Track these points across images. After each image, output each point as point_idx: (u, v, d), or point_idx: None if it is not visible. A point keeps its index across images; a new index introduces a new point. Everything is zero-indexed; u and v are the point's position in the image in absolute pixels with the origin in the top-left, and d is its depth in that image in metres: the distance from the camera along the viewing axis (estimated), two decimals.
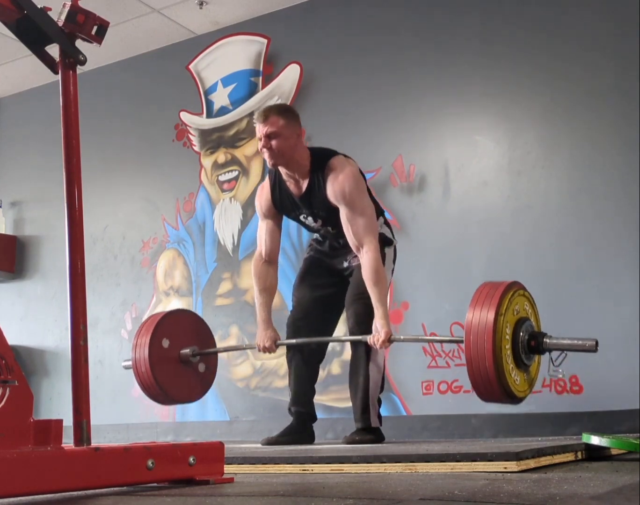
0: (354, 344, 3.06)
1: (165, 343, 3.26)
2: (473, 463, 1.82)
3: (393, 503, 1.29)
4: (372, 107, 4.34)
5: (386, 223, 3.22)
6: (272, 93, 4.72)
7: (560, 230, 3.73)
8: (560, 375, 2.68)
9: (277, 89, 4.71)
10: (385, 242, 3.11)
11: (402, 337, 3.17)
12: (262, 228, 3.22)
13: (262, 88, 4.77)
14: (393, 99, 4.28)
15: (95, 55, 4.63)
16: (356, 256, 3.06)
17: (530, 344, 2.56)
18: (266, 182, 3.19)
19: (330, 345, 4.04)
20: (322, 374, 4.16)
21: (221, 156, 4.87)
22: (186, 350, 3.30)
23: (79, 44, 1.77)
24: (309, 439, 3.18)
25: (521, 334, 2.53)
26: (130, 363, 3.27)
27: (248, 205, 4.68)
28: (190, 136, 5.01)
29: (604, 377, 3.47)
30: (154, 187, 5.12)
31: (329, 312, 3.25)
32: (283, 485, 1.67)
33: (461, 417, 3.76)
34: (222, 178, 4.84)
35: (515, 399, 2.54)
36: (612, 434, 2.68)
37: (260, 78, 4.79)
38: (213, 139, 4.92)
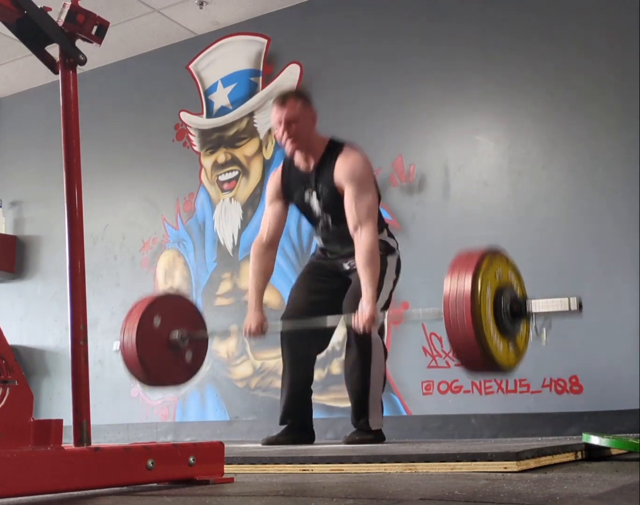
0: (354, 342, 3.01)
1: (157, 321, 3.23)
2: (473, 463, 1.82)
3: (393, 503, 1.29)
4: (372, 106, 4.35)
5: (390, 235, 3.21)
6: (272, 93, 4.71)
7: (560, 230, 3.73)
8: (544, 342, 2.62)
9: (277, 89, 4.70)
10: (388, 251, 3.10)
11: (384, 316, 3.08)
12: (267, 212, 3.24)
13: (262, 88, 4.77)
14: (393, 99, 4.28)
15: (95, 55, 4.63)
16: None
17: (513, 309, 2.46)
18: (279, 168, 3.25)
19: (330, 345, 4.03)
20: (322, 374, 4.17)
21: (221, 156, 4.87)
22: (175, 334, 3.23)
23: (79, 44, 1.77)
24: (309, 438, 3.17)
25: (503, 299, 2.43)
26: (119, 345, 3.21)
27: (248, 205, 4.68)
28: (190, 136, 5.01)
29: (604, 377, 3.47)
30: (154, 187, 5.12)
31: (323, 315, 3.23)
32: (283, 485, 1.67)
33: (461, 417, 3.76)
34: (222, 178, 4.84)
35: (502, 369, 2.41)
36: (612, 434, 2.68)
37: (260, 78, 4.79)
38: (213, 139, 4.92)
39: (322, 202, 3.09)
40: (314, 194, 3.10)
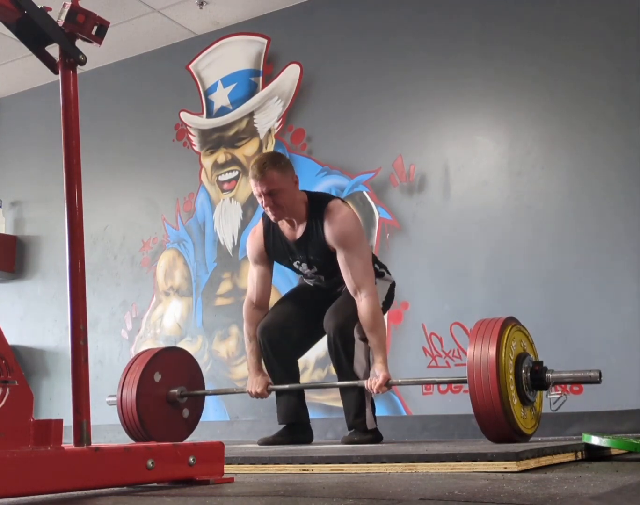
0: (334, 352, 2.99)
1: (157, 377, 3.19)
2: (473, 463, 1.81)
3: (393, 503, 1.29)
4: (372, 107, 4.35)
5: (381, 266, 3.17)
6: (272, 93, 4.72)
7: (560, 230, 3.74)
8: (558, 408, 2.67)
9: (277, 89, 4.71)
10: (376, 275, 3.06)
11: (399, 380, 3.11)
12: (253, 274, 3.17)
13: (262, 88, 4.77)
14: (393, 99, 4.28)
15: (95, 55, 4.63)
16: None
17: (533, 379, 2.52)
18: (258, 227, 3.13)
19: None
20: (321, 374, 4.17)
21: (221, 156, 4.87)
22: (174, 390, 3.24)
23: (79, 44, 1.77)
24: (307, 437, 3.17)
25: (523, 369, 2.48)
26: (114, 399, 3.19)
27: (248, 205, 4.68)
28: (190, 136, 5.01)
29: (604, 377, 3.47)
30: (154, 187, 5.12)
31: (309, 330, 3.19)
32: (283, 485, 1.67)
33: (461, 417, 3.76)
34: (222, 178, 4.84)
35: (523, 436, 2.46)
36: (612, 434, 2.67)
37: (260, 78, 4.79)
38: (213, 139, 4.92)
39: (314, 266, 3.07)
40: (304, 264, 3.07)
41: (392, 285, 3.18)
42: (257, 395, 3.11)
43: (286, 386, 3.09)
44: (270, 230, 3.08)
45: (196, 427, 3.42)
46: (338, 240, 2.92)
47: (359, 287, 2.90)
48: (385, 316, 3.95)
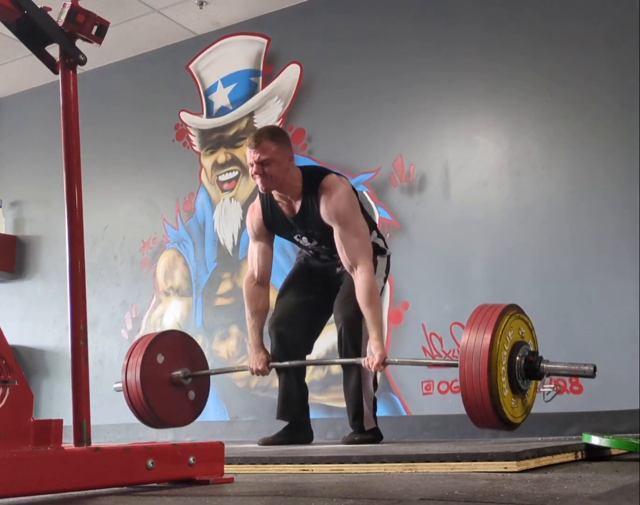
0: (343, 347, 3.00)
1: (160, 359, 3.21)
2: (473, 463, 1.82)
3: (393, 503, 1.29)
4: (373, 107, 4.35)
5: (379, 236, 3.18)
6: (272, 93, 4.72)
7: (560, 230, 3.74)
8: (552, 395, 2.66)
9: (277, 89, 4.71)
10: (377, 252, 3.08)
11: (396, 360, 3.12)
12: (253, 249, 3.18)
13: (262, 88, 4.77)
14: (393, 99, 4.28)
15: (95, 56, 4.63)
16: None
17: (527, 369, 2.50)
18: (257, 203, 3.15)
19: (330, 345, 4.04)
20: (322, 373, 4.17)
21: (221, 156, 4.87)
22: (178, 372, 3.26)
23: (79, 44, 1.77)
24: (307, 437, 3.17)
25: (517, 358, 2.47)
26: (120, 385, 3.22)
27: (248, 205, 4.66)
28: (190, 136, 5.01)
29: (604, 377, 3.47)
30: (154, 187, 5.12)
31: (316, 316, 3.20)
32: (283, 485, 1.67)
33: (461, 417, 3.74)
34: (222, 178, 4.84)
35: (510, 425, 2.46)
36: (612, 434, 2.68)
37: (260, 78, 4.79)
38: (213, 139, 4.92)
39: (314, 240, 3.09)
40: (304, 238, 3.09)
41: (389, 257, 3.20)
42: (258, 372, 3.13)
43: (286, 363, 3.10)
44: (268, 205, 3.09)
45: (204, 409, 3.44)
46: (332, 218, 2.93)
47: (354, 264, 2.92)
48: (387, 287, 3.95)
